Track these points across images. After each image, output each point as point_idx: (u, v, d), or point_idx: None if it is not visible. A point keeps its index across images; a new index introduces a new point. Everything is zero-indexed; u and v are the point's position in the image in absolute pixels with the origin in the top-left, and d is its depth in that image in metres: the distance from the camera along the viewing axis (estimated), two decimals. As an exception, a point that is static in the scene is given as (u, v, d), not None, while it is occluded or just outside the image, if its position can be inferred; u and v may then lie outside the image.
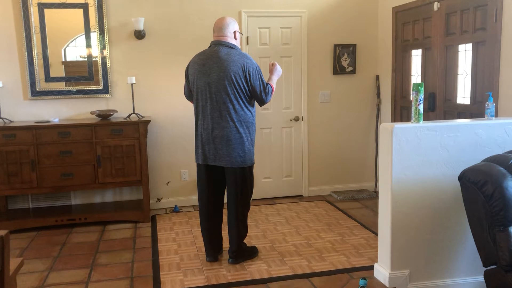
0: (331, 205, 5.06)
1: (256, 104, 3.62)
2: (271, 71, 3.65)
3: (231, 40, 3.47)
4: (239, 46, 3.53)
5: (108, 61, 4.80)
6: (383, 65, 5.36)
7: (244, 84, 3.38)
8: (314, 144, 5.44)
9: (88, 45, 4.78)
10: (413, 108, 3.01)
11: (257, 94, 3.44)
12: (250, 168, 3.56)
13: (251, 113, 3.50)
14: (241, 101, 3.40)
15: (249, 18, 5.07)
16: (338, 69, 5.37)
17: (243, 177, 3.51)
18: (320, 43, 5.30)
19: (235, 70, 3.34)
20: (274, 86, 3.57)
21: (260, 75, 3.46)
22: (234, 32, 3.49)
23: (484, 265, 2.61)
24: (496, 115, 3.56)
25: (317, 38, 5.28)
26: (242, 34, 4.78)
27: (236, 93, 3.37)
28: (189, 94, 3.63)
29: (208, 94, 3.41)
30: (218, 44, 3.44)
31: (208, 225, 3.62)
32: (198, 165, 3.60)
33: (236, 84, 3.36)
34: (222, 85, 3.36)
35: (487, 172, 2.53)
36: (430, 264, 3.10)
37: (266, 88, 3.47)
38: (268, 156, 5.32)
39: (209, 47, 3.52)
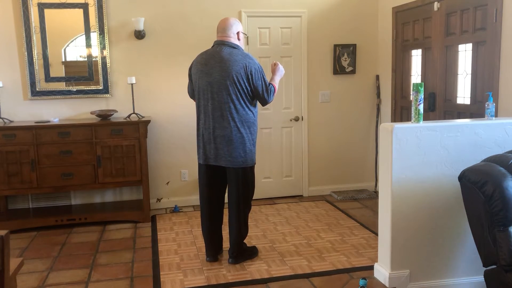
0: (331, 205, 5.06)
1: (258, 104, 3.62)
2: (273, 71, 3.65)
3: (234, 40, 3.47)
4: (242, 46, 3.54)
5: (108, 61, 4.80)
6: (383, 65, 5.35)
7: (246, 84, 3.38)
8: (314, 144, 5.44)
9: (88, 45, 4.78)
10: (413, 108, 3.01)
11: (260, 94, 3.44)
12: (252, 168, 3.56)
13: (253, 113, 3.50)
14: (242, 101, 3.40)
15: (249, 18, 5.06)
16: (338, 69, 5.37)
17: (245, 177, 3.51)
18: (320, 43, 5.30)
19: (237, 70, 3.34)
20: (276, 86, 3.57)
21: (263, 75, 3.46)
22: (238, 33, 3.49)
23: (484, 265, 2.61)
24: (496, 115, 3.56)
25: (317, 38, 5.28)
26: (246, 35, 4.77)
27: (238, 93, 3.37)
28: (193, 93, 3.63)
29: (209, 94, 3.41)
30: (221, 44, 3.44)
31: (209, 225, 3.62)
32: (199, 165, 3.61)
33: (238, 84, 3.36)
34: (223, 85, 3.36)
35: (487, 172, 2.53)
36: (430, 264, 3.10)
37: (268, 88, 3.47)
38: (268, 156, 5.32)
39: (212, 46, 3.52)
